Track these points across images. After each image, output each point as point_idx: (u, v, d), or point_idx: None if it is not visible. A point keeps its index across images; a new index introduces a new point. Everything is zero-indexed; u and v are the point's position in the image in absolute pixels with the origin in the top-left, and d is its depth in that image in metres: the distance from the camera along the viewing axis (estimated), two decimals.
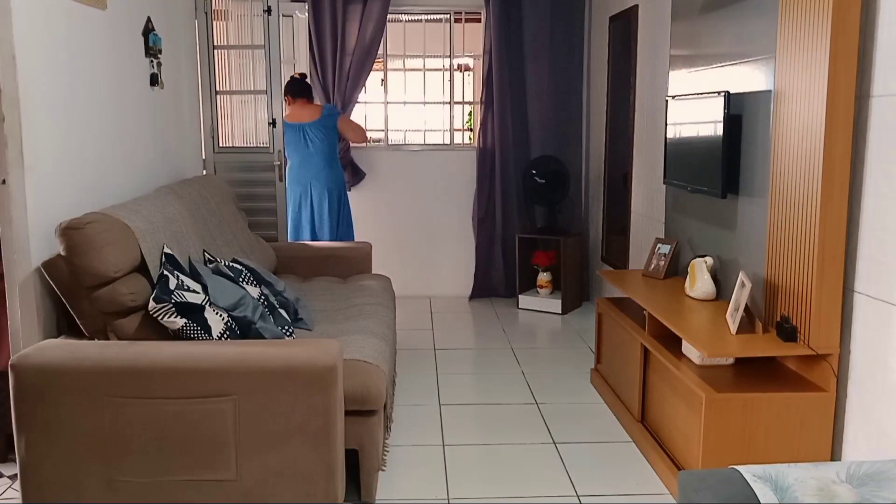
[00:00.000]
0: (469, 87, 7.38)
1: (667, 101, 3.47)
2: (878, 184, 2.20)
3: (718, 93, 2.89)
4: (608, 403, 3.42)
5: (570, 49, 5.32)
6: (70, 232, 2.35)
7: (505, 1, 5.16)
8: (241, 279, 2.88)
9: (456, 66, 5.75)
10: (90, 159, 2.83)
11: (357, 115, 5.38)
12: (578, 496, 2.61)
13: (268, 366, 2.20)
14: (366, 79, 5.22)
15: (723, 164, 2.86)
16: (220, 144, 4.41)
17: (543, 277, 5.16)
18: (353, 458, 2.49)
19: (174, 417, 2.16)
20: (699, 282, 3.01)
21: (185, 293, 2.45)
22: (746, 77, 2.82)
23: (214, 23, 4.28)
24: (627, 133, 4.48)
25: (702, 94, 3.10)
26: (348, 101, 5.17)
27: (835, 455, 2.42)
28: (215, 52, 4.30)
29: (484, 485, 2.69)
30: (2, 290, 2.50)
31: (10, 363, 2.17)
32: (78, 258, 2.35)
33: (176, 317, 2.38)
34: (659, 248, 3.50)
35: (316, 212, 4.76)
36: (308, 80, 4.94)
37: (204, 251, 2.99)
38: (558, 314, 5.04)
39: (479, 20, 5.41)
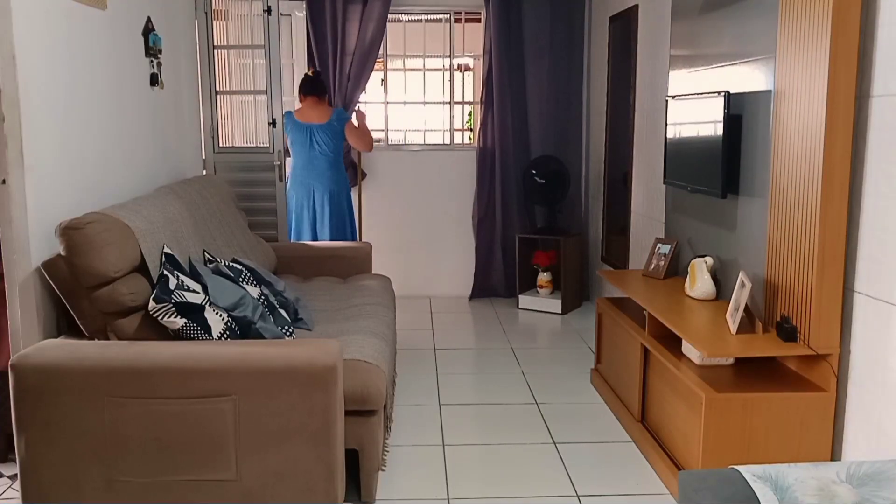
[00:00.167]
0: (469, 87, 7.38)
1: (667, 101, 3.47)
2: (878, 184, 2.20)
3: (718, 93, 2.89)
4: (608, 403, 3.42)
5: (570, 49, 5.32)
6: (70, 232, 2.35)
7: (505, 1, 5.17)
8: (241, 279, 2.88)
9: (456, 66, 5.75)
10: (90, 159, 2.83)
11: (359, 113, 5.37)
12: (578, 496, 2.61)
13: (268, 366, 2.20)
14: (367, 79, 5.22)
15: (723, 164, 2.86)
16: (220, 144, 4.41)
17: (543, 277, 5.16)
18: (353, 458, 2.49)
19: (174, 417, 2.16)
20: (699, 282, 3.01)
21: (185, 293, 2.45)
22: (746, 77, 2.82)
23: (214, 23, 4.28)
24: (627, 133, 4.48)
25: (702, 94, 3.10)
26: (349, 102, 5.17)
27: (835, 455, 2.42)
28: (215, 52, 4.30)
29: (484, 485, 2.69)
30: (2, 290, 2.50)
31: (10, 363, 2.17)
32: (78, 258, 2.35)
33: (176, 317, 2.38)
34: (659, 248, 3.50)
35: (318, 214, 4.75)
36: (321, 77, 4.92)
37: (204, 251, 2.99)
38: (558, 314, 5.04)
39: (479, 20, 5.41)
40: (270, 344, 2.40)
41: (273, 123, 4.37)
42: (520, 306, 5.20)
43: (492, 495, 2.62)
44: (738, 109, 2.85)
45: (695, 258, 3.10)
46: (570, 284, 5.10)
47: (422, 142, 5.72)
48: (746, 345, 2.52)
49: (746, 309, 2.61)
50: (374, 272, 4.12)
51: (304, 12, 5.06)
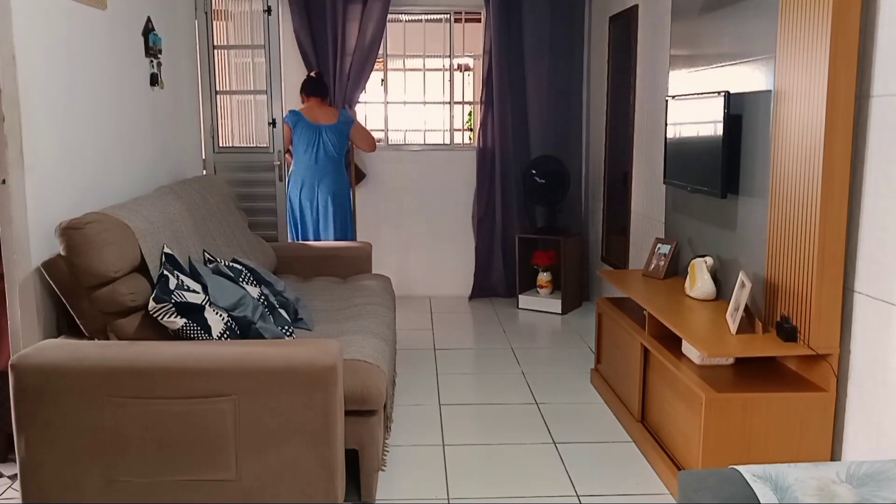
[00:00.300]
0: (469, 87, 7.38)
1: (667, 101, 3.47)
2: (878, 184, 2.20)
3: (718, 93, 2.89)
4: (608, 403, 3.42)
5: (570, 49, 5.32)
6: (70, 232, 2.35)
7: (505, 1, 5.16)
8: (241, 279, 2.88)
9: (456, 66, 5.75)
10: (90, 159, 2.83)
11: (357, 115, 5.37)
12: (578, 496, 2.61)
13: (268, 366, 2.20)
14: (367, 79, 5.23)
15: (723, 164, 2.86)
16: (220, 144, 4.41)
17: (543, 277, 5.16)
18: (353, 458, 2.49)
19: (174, 417, 2.16)
20: (699, 282, 3.01)
21: (185, 293, 2.45)
22: (746, 77, 2.82)
23: (214, 23, 4.28)
24: (627, 133, 4.48)
25: (702, 94, 3.10)
26: (349, 102, 5.17)
27: (835, 455, 2.42)
28: (215, 52, 4.30)
29: (484, 485, 2.69)
30: (2, 290, 2.50)
31: (10, 363, 2.17)
32: (78, 258, 2.35)
33: (176, 317, 2.38)
34: (659, 248, 3.50)
35: (321, 215, 4.77)
36: (324, 79, 4.93)
37: (204, 251, 2.99)
38: (558, 314, 5.04)
39: (479, 20, 5.41)
40: (270, 344, 2.40)
41: (273, 123, 4.37)
42: (520, 306, 5.20)
43: (492, 495, 2.62)
44: (738, 109, 2.85)
45: (695, 258, 3.10)
46: (570, 284, 5.10)
47: (422, 142, 5.72)
48: (746, 345, 2.52)
49: (746, 309, 2.61)
50: (374, 272, 4.12)
51: (290, 11, 5.05)
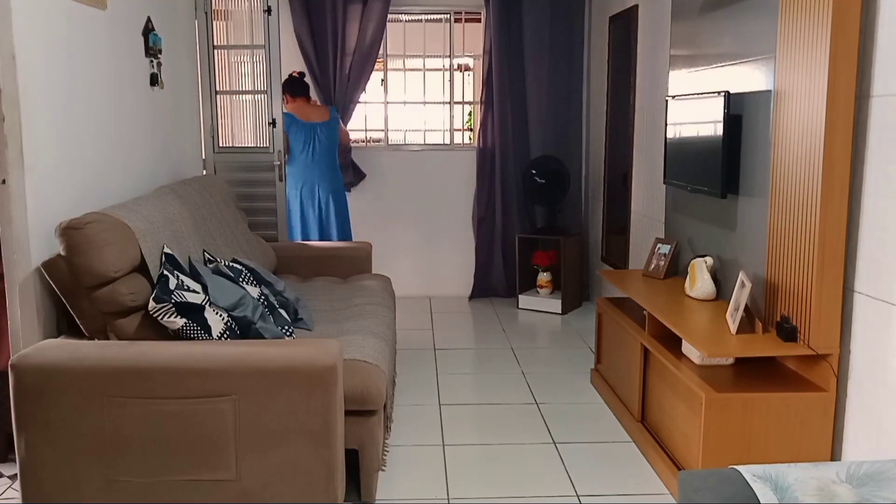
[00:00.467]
0: (469, 87, 7.38)
1: (667, 101, 3.47)
2: (878, 184, 2.20)
3: (718, 93, 2.89)
4: (608, 403, 3.42)
5: (570, 49, 5.32)
6: (70, 232, 2.35)
7: (505, 1, 5.17)
8: (241, 279, 2.88)
9: (456, 66, 5.75)
10: (90, 159, 2.83)
11: (357, 115, 5.39)
12: (578, 496, 2.61)
13: (268, 366, 2.20)
14: (367, 79, 5.23)
15: (723, 164, 2.86)
16: (220, 144, 4.41)
17: (543, 277, 5.16)
18: (353, 458, 2.49)
19: (174, 417, 2.16)
20: (699, 282, 3.01)
21: (185, 293, 2.45)
22: (746, 77, 2.82)
23: (214, 23, 4.28)
24: (627, 133, 4.48)
25: (702, 94, 3.10)
26: (349, 102, 5.18)
27: (835, 455, 2.42)
28: (215, 52, 4.30)
29: (484, 485, 2.69)
30: (2, 290, 2.50)
31: (10, 363, 2.17)
32: (78, 258, 2.35)
33: (176, 317, 2.38)
34: (659, 248, 3.50)
35: (324, 212, 4.80)
36: (306, 78, 4.95)
37: (204, 251, 2.99)
38: (558, 314, 5.04)
39: (479, 20, 5.41)
40: (270, 344, 2.40)
41: (273, 123, 4.37)
42: (520, 306, 5.20)
43: (492, 495, 2.62)
44: (738, 109, 2.85)
45: (695, 258, 3.10)
46: (570, 284, 5.10)
47: (422, 142, 5.72)
48: (746, 345, 2.52)
49: (746, 309, 2.61)
50: (374, 272, 4.12)
51: (290, 11, 5.05)
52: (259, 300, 2.80)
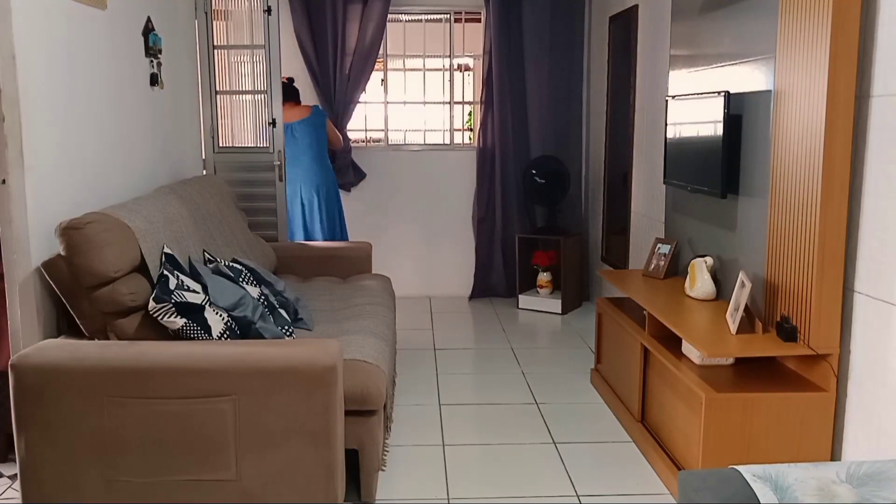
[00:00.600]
0: (469, 87, 7.37)
1: (667, 101, 3.47)
2: (878, 184, 2.20)
3: (718, 93, 2.89)
4: (608, 403, 3.42)
5: (570, 49, 5.32)
6: (70, 232, 2.35)
7: (505, 1, 5.17)
8: (241, 279, 2.88)
9: (456, 66, 5.75)
10: (90, 159, 2.83)
11: (357, 115, 5.38)
12: (578, 496, 2.61)
13: (268, 366, 2.20)
14: (367, 79, 5.23)
15: (723, 164, 2.86)
16: (220, 144, 4.41)
17: (543, 277, 5.16)
18: (353, 458, 2.49)
19: (174, 417, 2.16)
20: (699, 282, 3.01)
21: (185, 293, 2.45)
22: (746, 77, 2.82)
23: (214, 23, 4.28)
24: (627, 133, 4.48)
25: (702, 94, 3.10)
26: (349, 102, 5.18)
27: (835, 455, 2.42)
28: (215, 52, 4.30)
29: (484, 485, 2.69)
30: (2, 290, 2.50)
31: (10, 363, 2.17)
32: (78, 258, 2.35)
33: (176, 317, 2.38)
34: (659, 248, 3.50)
35: (307, 210, 4.77)
36: (295, 83, 4.95)
37: (204, 251, 2.99)
38: (558, 314, 5.04)
39: (479, 20, 5.41)
40: (270, 344, 2.40)
41: (273, 123, 4.37)
42: (520, 306, 5.20)
43: (492, 495, 2.62)
44: (738, 109, 2.85)
45: (695, 258, 3.10)
46: (570, 284, 5.10)
47: (422, 142, 5.72)
48: (746, 345, 2.52)
49: (746, 309, 2.61)
50: (374, 272, 4.12)
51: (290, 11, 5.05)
52: (259, 300, 2.80)
